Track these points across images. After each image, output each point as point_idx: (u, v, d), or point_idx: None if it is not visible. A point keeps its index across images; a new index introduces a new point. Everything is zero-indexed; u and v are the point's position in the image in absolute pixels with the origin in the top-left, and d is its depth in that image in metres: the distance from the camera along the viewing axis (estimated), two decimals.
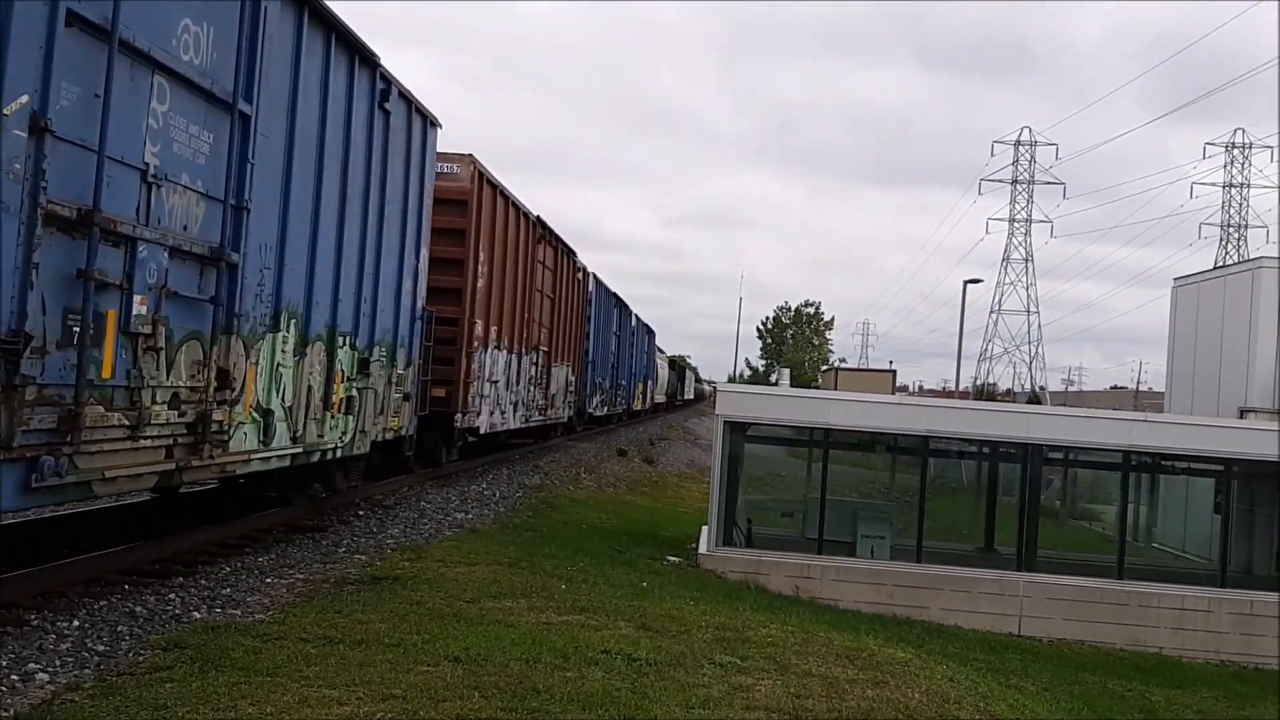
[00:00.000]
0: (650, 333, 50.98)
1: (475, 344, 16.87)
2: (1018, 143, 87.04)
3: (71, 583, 8.02)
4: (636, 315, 43.13)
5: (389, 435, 12.94)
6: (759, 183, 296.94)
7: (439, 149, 14.40)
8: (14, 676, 5.96)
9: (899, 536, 15.42)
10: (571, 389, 27.35)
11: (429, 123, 13.40)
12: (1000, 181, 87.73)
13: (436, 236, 14.64)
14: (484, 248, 17.12)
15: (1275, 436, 15.49)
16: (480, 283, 16.95)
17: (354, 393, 11.38)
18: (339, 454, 11.33)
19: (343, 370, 11.00)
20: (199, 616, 7.67)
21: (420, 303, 13.76)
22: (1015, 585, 14.85)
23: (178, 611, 7.75)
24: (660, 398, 61.94)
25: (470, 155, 16.52)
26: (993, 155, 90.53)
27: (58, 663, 6.30)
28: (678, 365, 79.39)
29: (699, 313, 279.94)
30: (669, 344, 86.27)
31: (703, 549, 15.00)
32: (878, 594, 14.60)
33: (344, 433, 11.22)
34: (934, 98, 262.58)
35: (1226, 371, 19.97)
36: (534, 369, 21.88)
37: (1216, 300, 20.81)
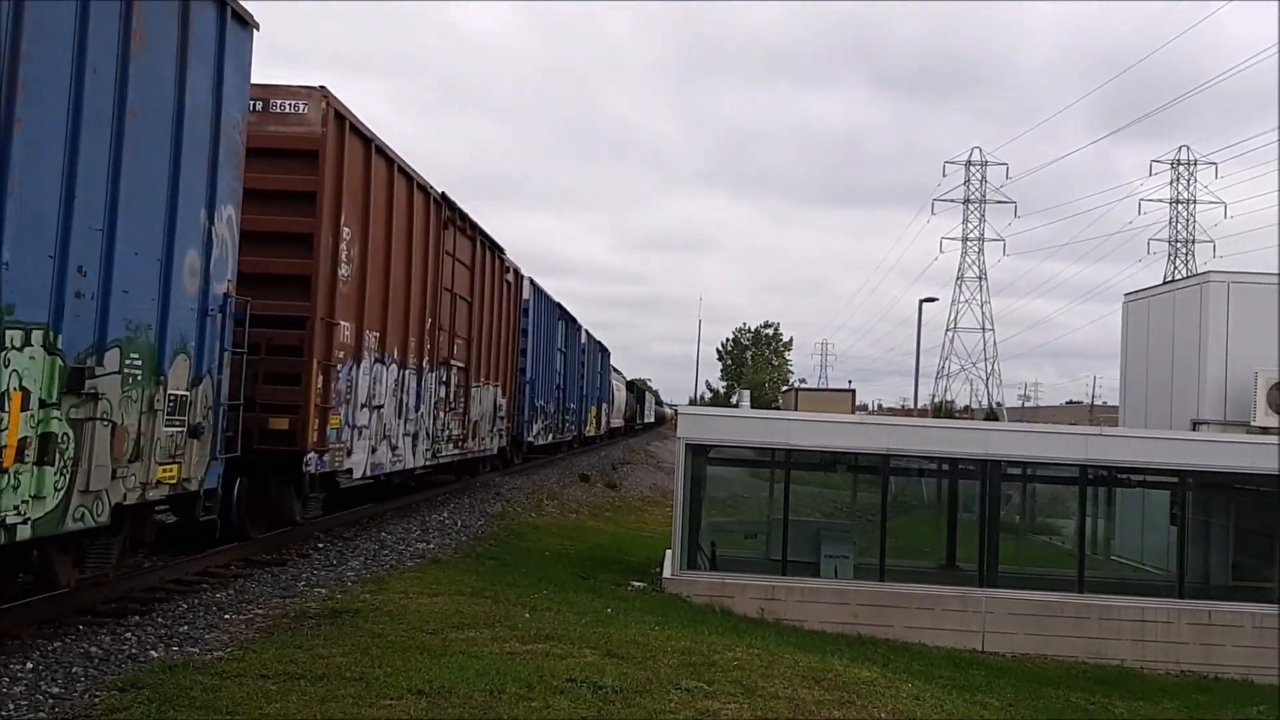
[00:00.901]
0: (604, 352, 47.61)
1: (338, 355, 12.54)
2: (969, 163, 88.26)
3: (24, 624, 7.85)
4: (587, 332, 40.16)
5: (157, 493, 8.38)
6: (714, 205, 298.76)
7: (286, 85, 11.61)
8: None
9: (862, 555, 15.46)
10: (502, 414, 22.68)
11: (233, 15, 9.14)
12: (952, 201, 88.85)
13: (272, 202, 11.45)
14: (351, 222, 12.77)
15: (1226, 448, 15.75)
16: (345, 270, 12.66)
17: (55, 427, 6.92)
18: (31, 531, 6.76)
19: (23, 388, 6.59)
20: (156, 655, 7.53)
21: (222, 287, 9.36)
22: (978, 601, 14.94)
23: (134, 651, 7.61)
24: (617, 422, 59.06)
25: (322, 88, 12.03)
26: (944, 175, 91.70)
27: (10, 706, 6.16)
28: (636, 387, 77.26)
29: (659, 336, 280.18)
30: (629, 368, 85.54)
31: (667, 573, 14.96)
32: (842, 614, 14.63)
33: (37, 495, 6.78)
34: (885, 119, 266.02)
35: (1178, 384, 20.29)
36: (444, 390, 17.50)
37: (1166, 315, 21.16)
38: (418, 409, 15.98)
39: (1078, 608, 14.94)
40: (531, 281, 26.44)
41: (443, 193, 16.80)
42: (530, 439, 27.68)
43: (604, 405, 48.63)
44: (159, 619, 8.68)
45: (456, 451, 18.72)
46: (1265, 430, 17.49)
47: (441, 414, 17.45)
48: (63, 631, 7.95)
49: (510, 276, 23.09)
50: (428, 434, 16.63)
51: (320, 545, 13.29)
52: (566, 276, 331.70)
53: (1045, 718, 10.48)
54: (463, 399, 18.88)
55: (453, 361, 17.96)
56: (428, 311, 16.16)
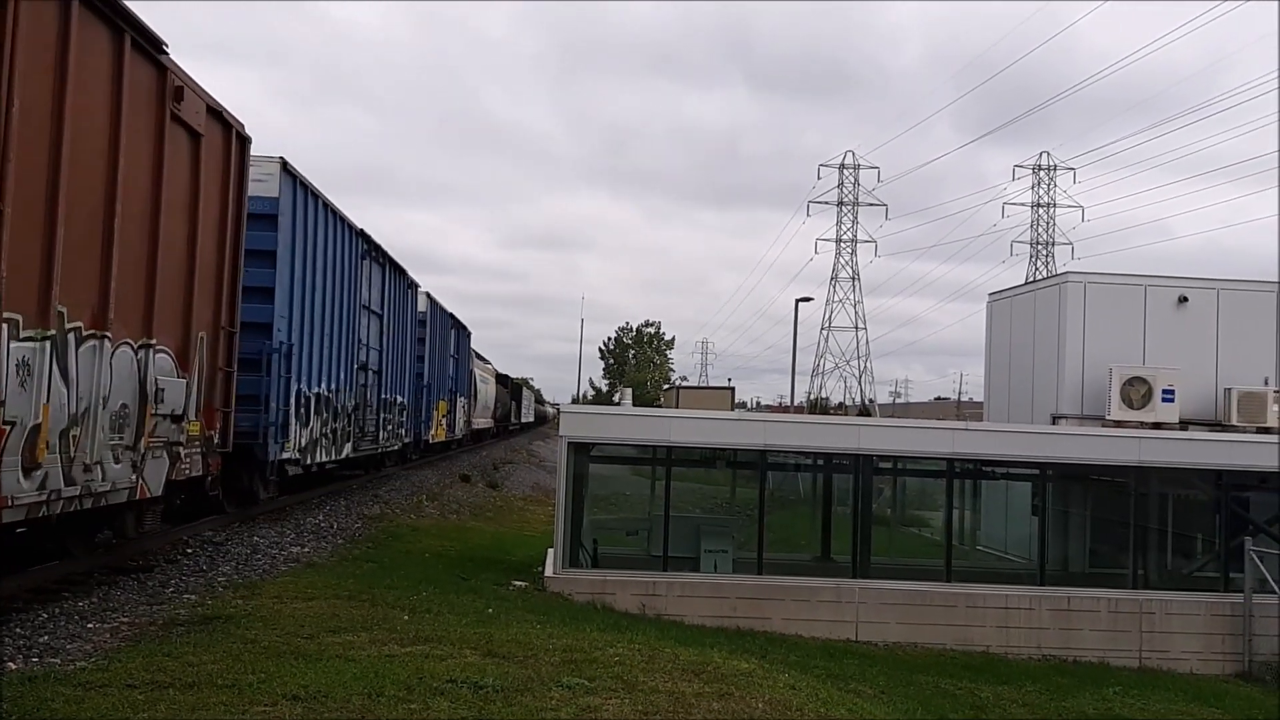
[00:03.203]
0: (460, 329, 36.85)
1: None
2: (842, 166, 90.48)
3: None
4: (429, 296, 29.05)
5: None
6: (595, 203, 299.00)
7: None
8: None
9: (741, 550, 15.73)
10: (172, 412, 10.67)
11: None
12: (827, 203, 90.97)
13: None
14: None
15: (1084, 441, 16.53)
16: None
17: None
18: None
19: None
20: (14, 668, 7.20)
21: None
22: (851, 592, 15.35)
23: None
24: (483, 422, 48.66)
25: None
26: (819, 178, 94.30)
27: None
28: (511, 383, 69.23)
29: (540, 335, 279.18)
30: (511, 367, 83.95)
31: (549, 571, 14.97)
32: (721, 608, 14.86)
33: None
34: (762, 120, 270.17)
35: (1039, 380, 21.18)
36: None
37: (1028, 314, 22.06)
38: None
39: (946, 596, 15.49)
40: (287, 167, 15.19)
41: None
42: (285, 455, 15.72)
43: (460, 401, 37.79)
44: (16, 629, 8.30)
45: None
46: (1120, 424, 18.41)
47: None
48: None
49: (199, 123, 11.08)
50: None
51: (190, 550, 12.89)
52: (445, 274, 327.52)
53: (915, 703, 10.84)
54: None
55: None
56: None
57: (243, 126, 12.37)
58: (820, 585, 15.40)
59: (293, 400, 15.75)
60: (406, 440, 26.91)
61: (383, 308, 22.40)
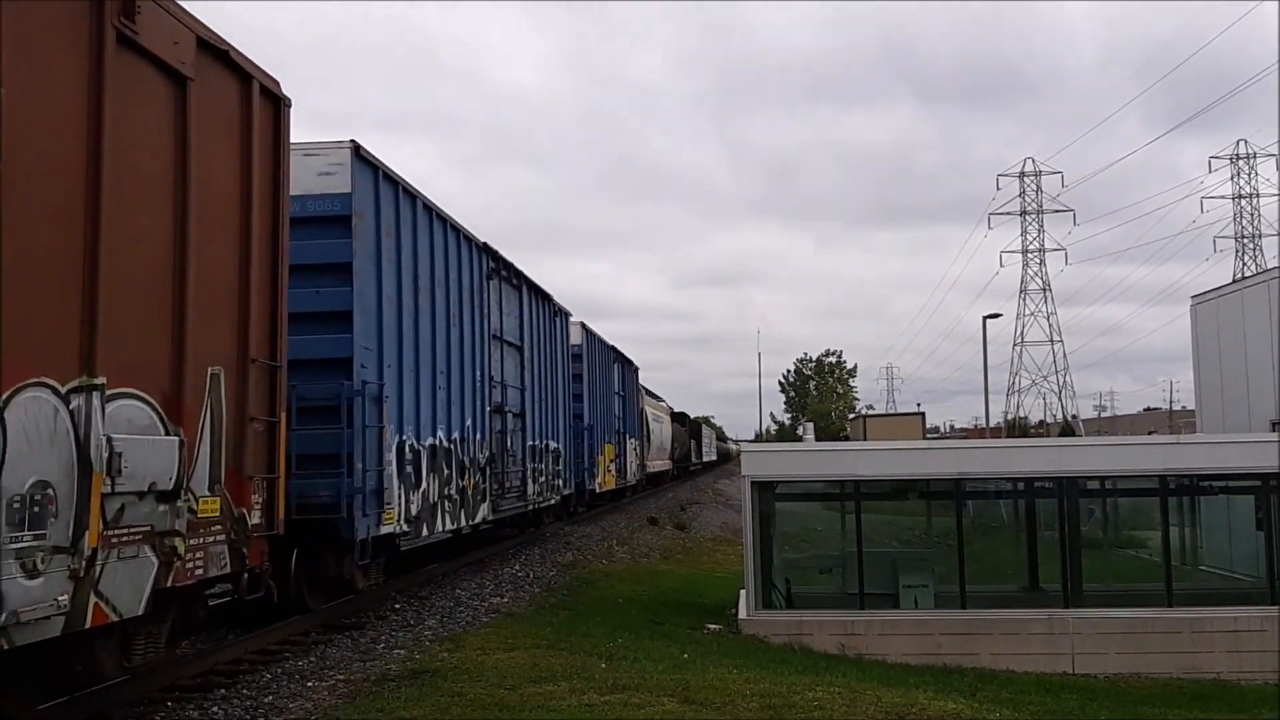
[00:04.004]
0: (624, 363, 33.32)
1: None
2: (1022, 174, 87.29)
3: (115, 704, 8.01)
4: (584, 326, 25.77)
5: None
6: (764, 236, 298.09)
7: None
8: None
9: (942, 583, 15.22)
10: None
11: None
12: (1009, 214, 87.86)
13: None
14: None
15: None
16: None
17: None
18: None
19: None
20: None
21: None
22: (1065, 623, 14.60)
23: None
24: (660, 464, 44.83)
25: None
26: (999, 189, 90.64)
27: None
28: (689, 421, 65.31)
29: (718, 372, 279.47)
30: (689, 405, 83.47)
31: (742, 614, 14.84)
32: (925, 645, 14.38)
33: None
34: (932, 134, 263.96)
35: (1254, 384, 19.78)
36: None
37: (1236, 314, 20.68)
38: None
39: (1168, 622, 14.56)
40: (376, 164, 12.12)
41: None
42: (381, 530, 11.73)
43: (630, 443, 34.14)
44: (244, 690, 8.80)
45: None
46: None
47: None
48: (151, 710, 8.09)
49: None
50: None
51: (397, 606, 13.41)
52: (618, 320, 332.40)
53: None
54: None
55: None
56: None
57: (276, 84, 8.98)
58: (1030, 616, 14.72)
59: (392, 456, 12.15)
60: (566, 492, 23.02)
61: (522, 338, 18.42)
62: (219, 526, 7.96)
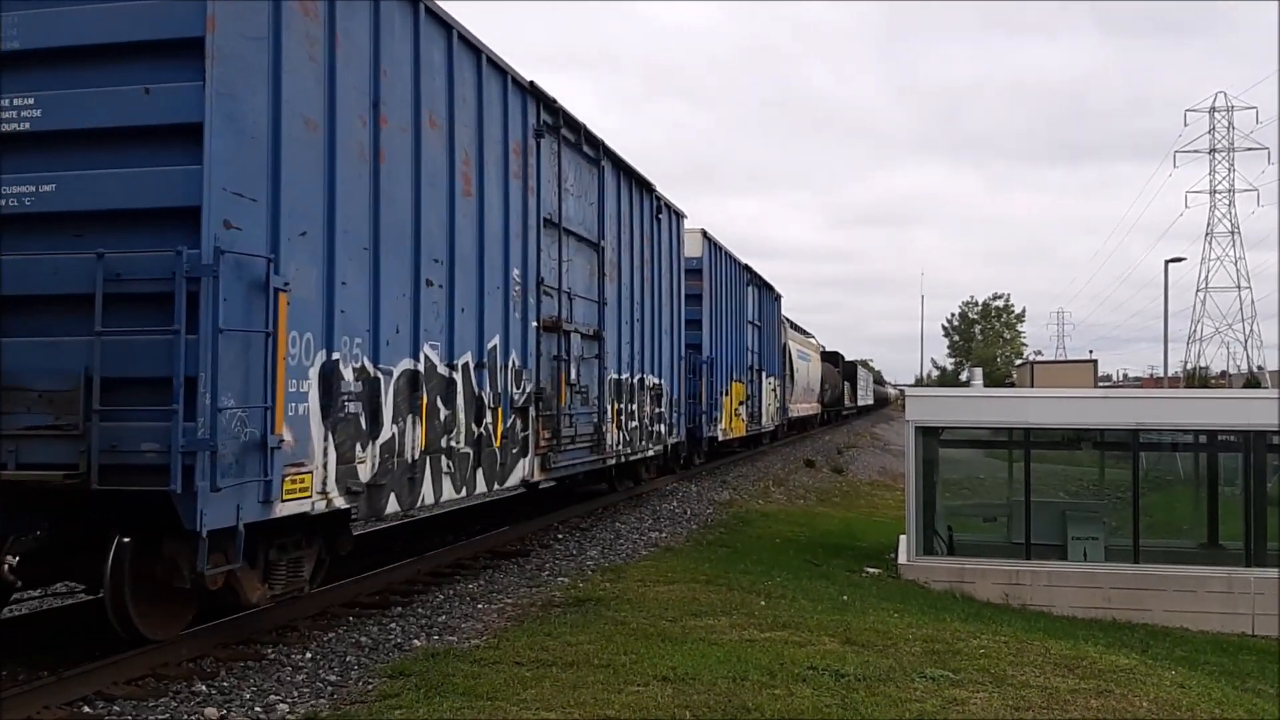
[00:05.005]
0: (761, 287, 28.59)
1: None
2: (1212, 109, 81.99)
3: (300, 617, 8.54)
4: (705, 234, 21.37)
5: None
6: (928, 175, 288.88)
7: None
8: (258, 708, 6.39)
9: (1113, 536, 14.68)
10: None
11: None
12: (1197, 152, 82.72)
13: None
14: None
15: None
16: None
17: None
18: None
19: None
20: (419, 644, 8.03)
21: None
22: (1245, 582, 13.89)
23: (399, 640, 8.14)
24: (806, 408, 40.40)
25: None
26: (1186, 125, 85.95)
27: (295, 694, 6.72)
28: (842, 361, 59.22)
29: (877, 314, 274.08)
30: (847, 348, 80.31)
31: (902, 559, 14.68)
32: (1094, 598, 13.93)
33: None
34: (1114, 66, 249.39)
35: None
36: None
37: None
38: None
39: None
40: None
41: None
42: (274, 507, 7.09)
43: (767, 382, 29.48)
44: (419, 609, 9.24)
45: None
46: None
47: None
48: (335, 623, 8.60)
49: None
50: None
51: (560, 536, 13.80)
52: (773, 259, 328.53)
53: None
54: None
55: None
56: None
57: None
58: (1209, 574, 14.07)
59: (310, 384, 7.29)
60: (674, 440, 18.87)
61: (602, 234, 14.11)
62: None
